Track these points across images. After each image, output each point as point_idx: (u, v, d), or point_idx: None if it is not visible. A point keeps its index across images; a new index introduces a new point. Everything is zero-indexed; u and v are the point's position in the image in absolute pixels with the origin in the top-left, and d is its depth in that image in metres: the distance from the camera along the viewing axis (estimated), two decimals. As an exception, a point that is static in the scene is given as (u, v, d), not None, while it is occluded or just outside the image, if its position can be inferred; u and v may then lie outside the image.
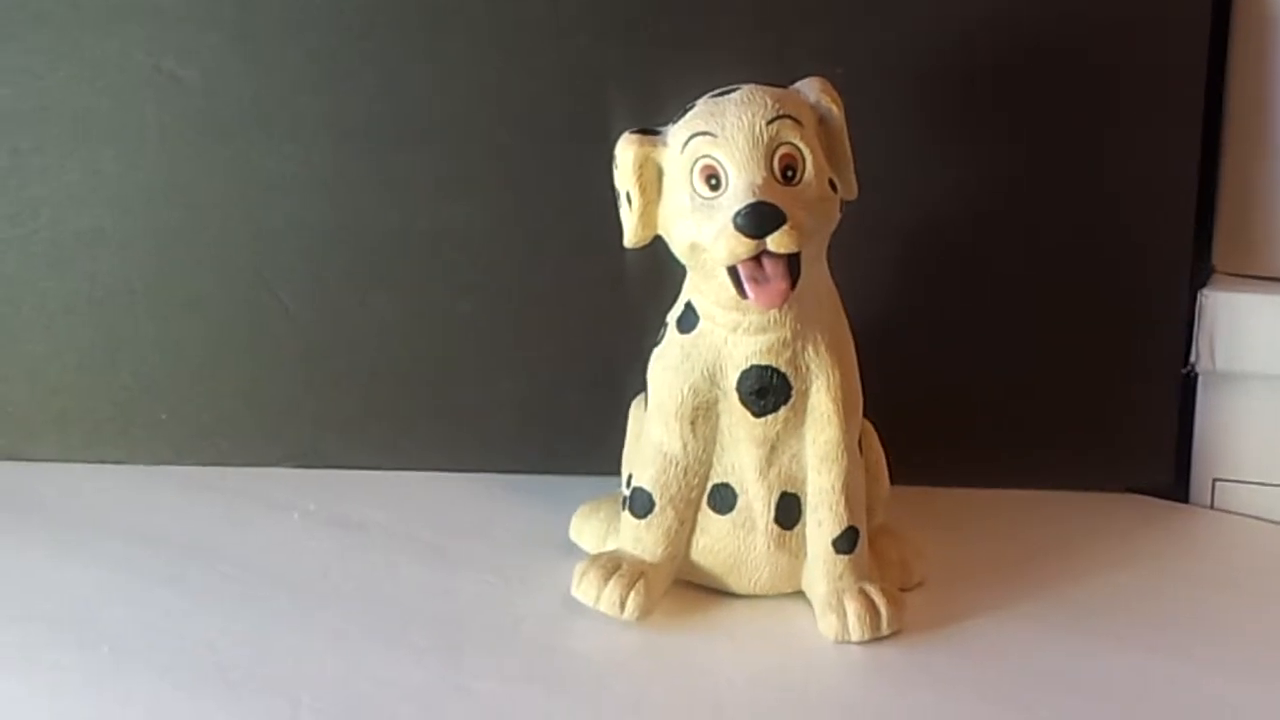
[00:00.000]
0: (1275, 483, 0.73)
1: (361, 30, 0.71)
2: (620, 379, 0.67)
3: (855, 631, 0.61)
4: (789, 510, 0.63)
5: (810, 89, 0.61)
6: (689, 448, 0.62)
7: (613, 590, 0.62)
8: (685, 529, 0.63)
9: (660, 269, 0.62)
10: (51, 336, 0.74)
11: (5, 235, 0.73)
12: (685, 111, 0.60)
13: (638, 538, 0.64)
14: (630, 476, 0.65)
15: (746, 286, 0.58)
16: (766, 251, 0.57)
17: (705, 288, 0.60)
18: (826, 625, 0.62)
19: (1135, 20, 0.70)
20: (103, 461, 0.75)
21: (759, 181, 0.58)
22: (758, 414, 0.61)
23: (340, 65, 0.71)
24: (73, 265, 0.73)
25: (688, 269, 0.61)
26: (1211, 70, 0.71)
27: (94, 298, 0.74)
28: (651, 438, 0.63)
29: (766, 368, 0.61)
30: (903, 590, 0.64)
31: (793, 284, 0.58)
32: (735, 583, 0.64)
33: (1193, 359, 0.72)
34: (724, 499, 0.63)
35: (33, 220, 0.73)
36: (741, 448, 0.62)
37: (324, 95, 0.71)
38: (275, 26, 0.71)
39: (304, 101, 0.72)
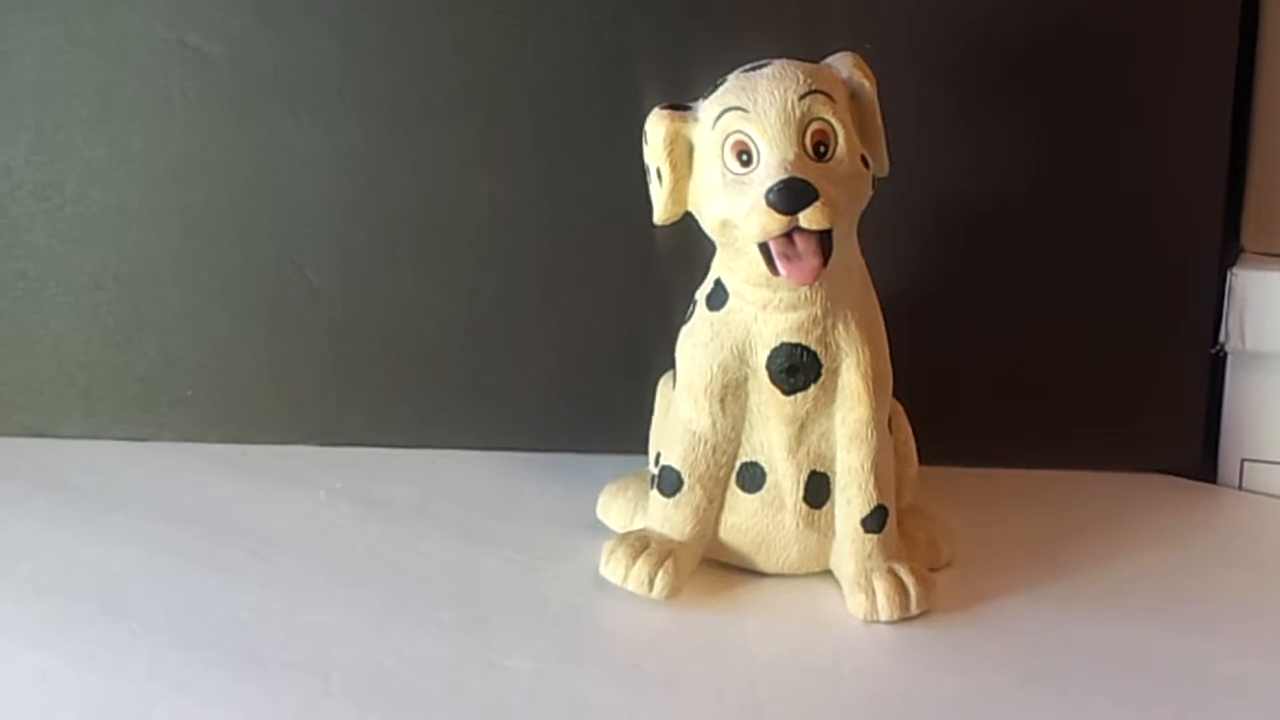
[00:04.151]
0: (1304, 463, 0.73)
1: (386, 4, 0.71)
2: (648, 356, 0.67)
3: (884, 611, 0.61)
4: (818, 489, 0.62)
5: (842, 64, 0.61)
6: (718, 426, 0.62)
7: (641, 569, 0.62)
8: (714, 507, 0.63)
9: (690, 245, 0.62)
10: (77, 313, 0.74)
11: (31, 211, 0.73)
12: (716, 86, 0.60)
13: (666, 516, 0.63)
14: (658, 455, 0.64)
15: (778, 263, 0.58)
16: (798, 228, 0.57)
17: (735, 265, 0.60)
18: (855, 605, 0.62)
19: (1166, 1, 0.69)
20: (128, 438, 0.75)
21: (791, 157, 0.57)
22: (787, 392, 0.61)
23: (366, 39, 0.71)
24: (98, 241, 0.73)
25: (717, 246, 0.61)
26: (1242, 49, 0.71)
27: (119, 274, 0.73)
28: (680, 416, 0.63)
29: (796, 345, 0.61)
30: (931, 570, 0.64)
31: (824, 261, 0.57)
32: (763, 561, 0.64)
33: (1222, 338, 0.72)
34: (753, 477, 0.63)
35: (58, 196, 0.73)
36: (770, 426, 0.62)
37: (350, 70, 0.71)
38: (300, 0, 0.71)
39: (329, 76, 0.71)
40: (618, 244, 0.71)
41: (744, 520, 0.63)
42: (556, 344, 0.73)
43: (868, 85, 0.60)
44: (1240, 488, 0.73)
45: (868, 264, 0.62)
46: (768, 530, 0.63)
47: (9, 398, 0.75)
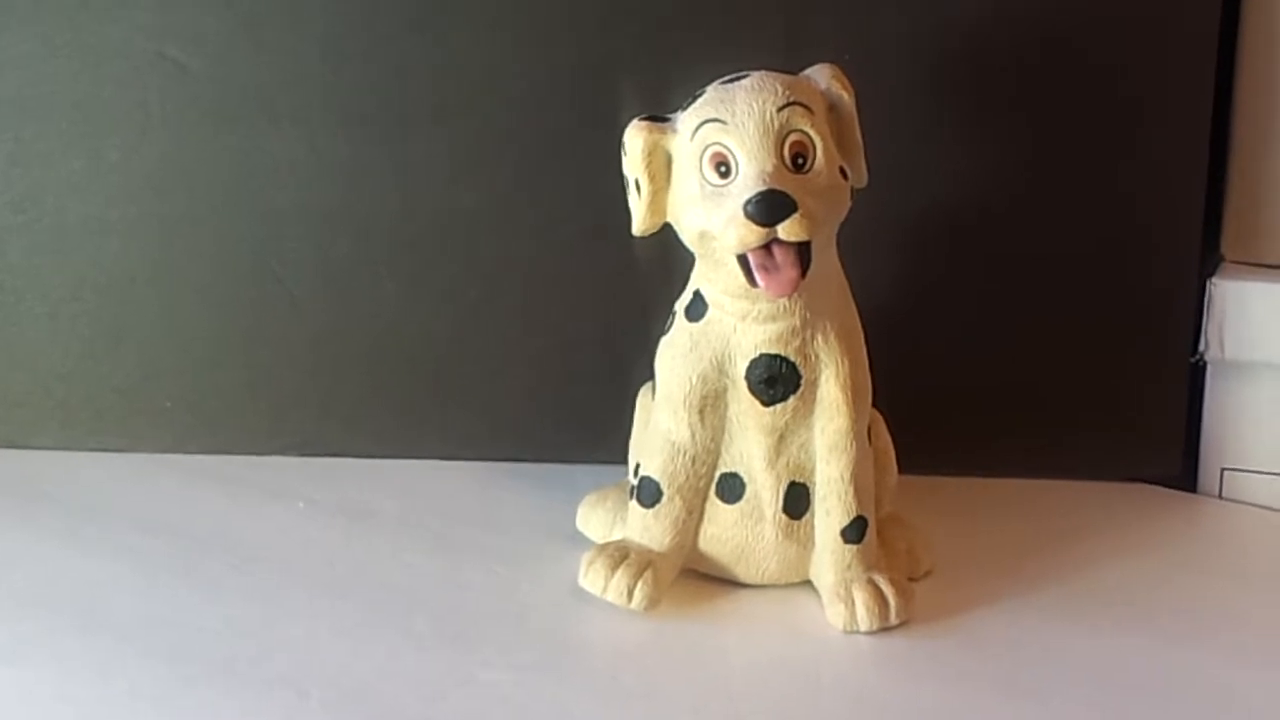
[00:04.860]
0: (1284, 472, 0.73)
1: (367, 14, 0.70)
2: (628, 367, 0.67)
3: (863, 621, 0.61)
4: (797, 500, 0.62)
5: (821, 75, 0.61)
6: (697, 437, 0.62)
7: (620, 580, 0.62)
8: (693, 518, 0.63)
9: (669, 256, 0.62)
10: (54, 324, 0.74)
11: (8, 223, 0.73)
12: (695, 98, 0.60)
13: (645, 527, 0.63)
14: (638, 465, 0.64)
15: (756, 275, 0.58)
16: (777, 240, 0.57)
17: (714, 276, 0.60)
18: (835, 615, 0.62)
19: (1146, 11, 0.69)
20: (106, 450, 0.74)
21: (769, 169, 0.57)
22: (767, 403, 0.61)
23: (346, 50, 0.71)
24: (76, 253, 0.73)
25: (696, 257, 0.61)
26: (1221, 60, 0.71)
27: (97, 285, 0.73)
28: (659, 426, 0.63)
29: (776, 356, 0.61)
30: (911, 580, 0.64)
31: (803, 272, 0.57)
32: (743, 572, 0.64)
33: (1202, 348, 0.72)
34: (732, 488, 0.63)
35: (36, 208, 0.72)
36: (750, 437, 0.62)
37: (329, 81, 0.71)
38: (280, 11, 0.71)
39: (309, 87, 0.71)
40: (598, 255, 0.71)
41: (723, 531, 0.63)
42: (536, 354, 0.73)
43: (846, 97, 0.60)
44: (1220, 496, 0.74)
45: (847, 275, 0.62)
46: (747, 541, 0.63)
47: (-14, 409, 0.75)
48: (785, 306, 0.60)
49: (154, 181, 0.72)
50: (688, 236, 0.60)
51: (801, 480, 0.62)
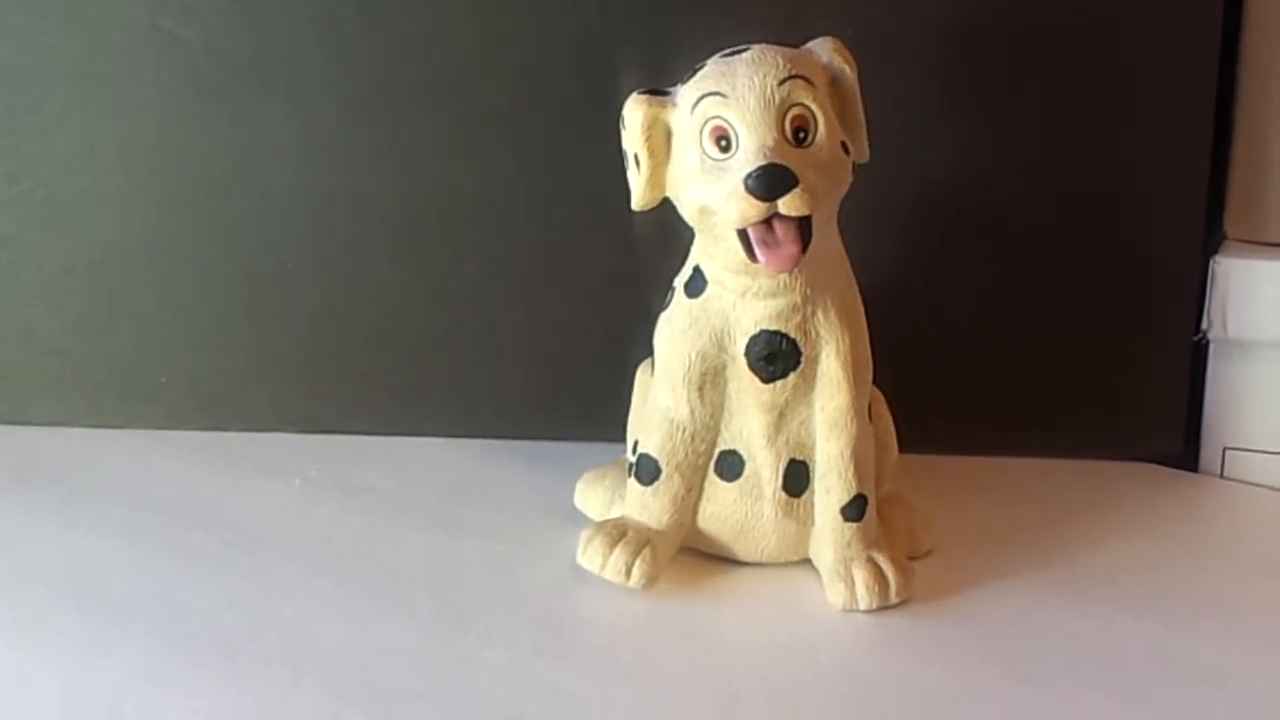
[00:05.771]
0: (1287, 452, 0.72)
1: (364, -11, 0.70)
2: (627, 344, 0.67)
3: (863, 600, 0.61)
4: (797, 477, 0.62)
5: (823, 49, 0.60)
6: (696, 414, 0.62)
7: (618, 558, 0.61)
8: (692, 496, 0.63)
9: (668, 232, 0.62)
10: (49, 299, 0.73)
11: (2, 196, 0.72)
12: (695, 72, 0.59)
13: (644, 505, 0.63)
14: (636, 443, 0.64)
15: (757, 250, 0.57)
16: (777, 214, 0.57)
17: (714, 251, 0.60)
18: (834, 594, 0.61)
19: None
20: (101, 426, 0.74)
21: (770, 143, 0.57)
22: (766, 380, 0.61)
23: (343, 25, 0.70)
24: (71, 227, 0.72)
25: (696, 232, 0.61)
26: (1225, 37, 0.71)
27: (92, 260, 0.73)
28: (658, 404, 0.62)
29: (776, 333, 0.60)
30: (911, 559, 0.64)
31: (804, 248, 0.57)
32: (742, 550, 0.63)
33: (1204, 326, 0.72)
34: (731, 466, 0.62)
35: (30, 180, 0.72)
36: (749, 414, 0.62)
37: (326, 56, 0.71)
38: (277, -15, 0.70)
39: (306, 62, 0.71)
40: (597, 231, 0.71)
41: (722, 509, 0.63)
42: (535, 331, 0.73)
43: (848, 70, 0.60)
44: (1222, 476, 0.73)
45: (848, 251, 0.62)
46: (746, 519, 0.62)
47: (-20, 384, 0.74)
48: (786, 282, 0.59)
49: (149, 155, 0.72)
50: (687, 212, 0.59)
51: (801, 458, 0.62)
